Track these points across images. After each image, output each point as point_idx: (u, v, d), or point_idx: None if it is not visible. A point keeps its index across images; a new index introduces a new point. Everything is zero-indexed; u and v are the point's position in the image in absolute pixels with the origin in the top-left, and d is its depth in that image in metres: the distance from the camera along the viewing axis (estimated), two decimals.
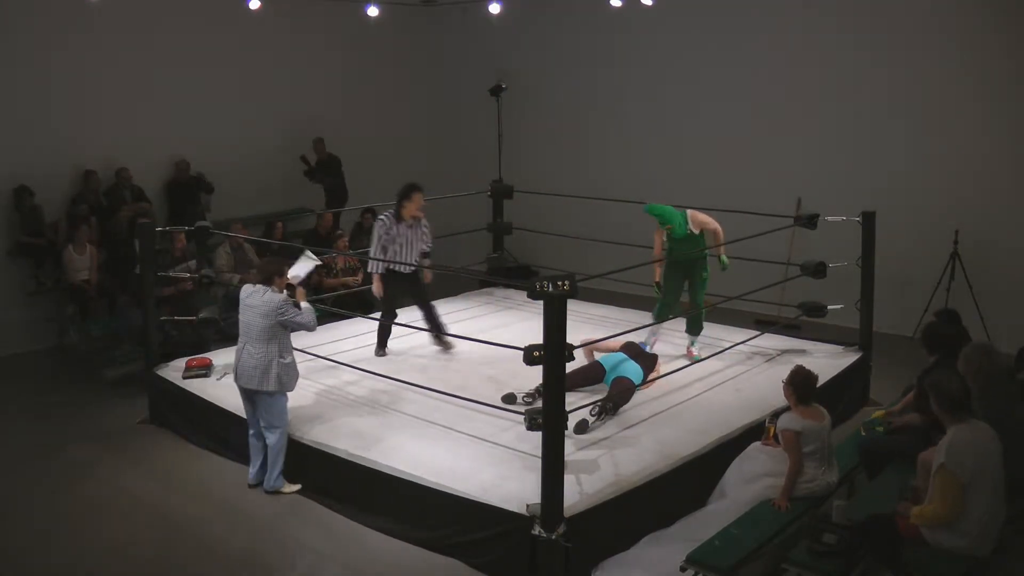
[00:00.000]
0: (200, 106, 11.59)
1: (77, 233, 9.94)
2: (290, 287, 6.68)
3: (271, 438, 6.54)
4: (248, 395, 6.57)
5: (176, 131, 11.40)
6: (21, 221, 10.20)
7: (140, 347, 8.76)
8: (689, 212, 7.99)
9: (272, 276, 6.50)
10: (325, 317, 9.21)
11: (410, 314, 9.63)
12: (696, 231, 7.97)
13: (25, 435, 7.89)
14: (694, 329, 8.31)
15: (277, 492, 6.59)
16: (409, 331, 8.44)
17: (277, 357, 6.44)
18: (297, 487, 6.61)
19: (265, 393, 6.45)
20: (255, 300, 6.45)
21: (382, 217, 8.22)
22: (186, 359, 8.10)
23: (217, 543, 6.03)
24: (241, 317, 6.58)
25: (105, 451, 7.53)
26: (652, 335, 8.21)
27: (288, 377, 6.53)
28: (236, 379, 6.60)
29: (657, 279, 8.20)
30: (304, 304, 6.62)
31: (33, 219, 10.22)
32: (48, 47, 10.31)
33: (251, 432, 6.70)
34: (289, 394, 7.40)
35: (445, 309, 10.06)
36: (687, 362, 7.98)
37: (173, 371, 8.01)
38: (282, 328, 6.46)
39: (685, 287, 8.22)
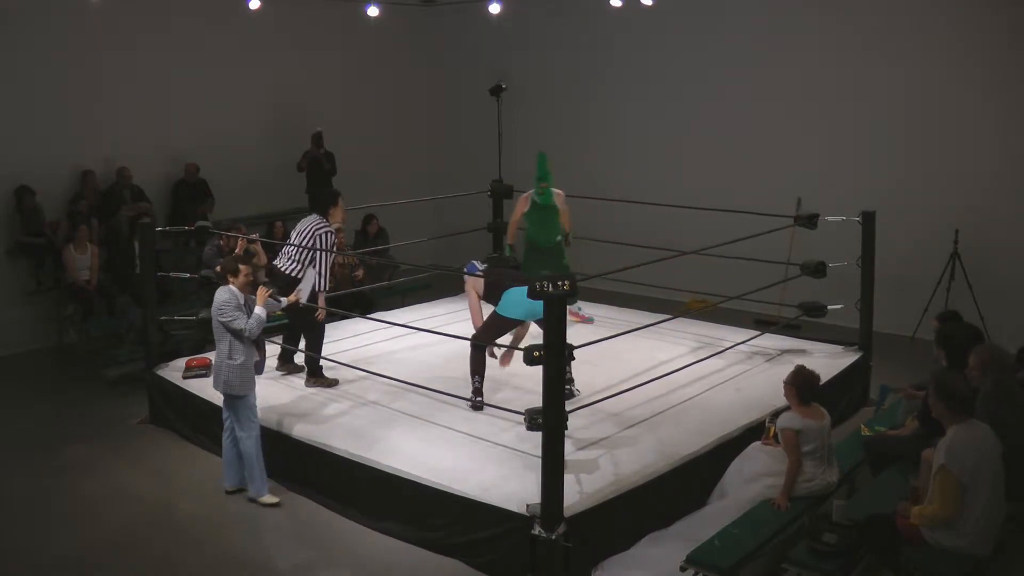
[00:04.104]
0: (200, 106, 11.59)
1: (78, 233, 9.95)
2: (253, 285, 6.55)
3: (240, 444, 6.44)
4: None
5: (176, 131, 11.41)
6: (22, 221, 10.20)
7: (140, 347, 8.76)
8: (553, 188, 8.63)
9: (225, 275, 6.44)
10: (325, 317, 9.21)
11: (410, 314, 9.65)
12: (556, 204, 8.64)
13: (25, 435, 7.89)
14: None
15: (255, 502, 6.47)
16: (408, 331, 8.42)
17: (226, 358, 6.34)
18: (276, 500, 6.44)
19: (223, 395, 6.42)
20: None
21: (329, 229, 7.53)
22: (186, 359, 8.10)
23: (216, 543, 6.03)
24: None
25: (105, 451, 7.53)
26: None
27: (236, 379, 6.35)
28: None
29: (510, 242, 9.18)
30: (257, 309, 6.43)
31: (33, 219, 10.23)
32: (48, 47, 10.31)
33: (224, 434, 6.60)
34: (289, 394, 7.43)
35: (445, 309, 10.08)
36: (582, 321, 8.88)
37: (173, 371, 8.01)
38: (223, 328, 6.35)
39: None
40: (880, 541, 5.01)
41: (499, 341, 7.02)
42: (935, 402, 4.98)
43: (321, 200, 7.77)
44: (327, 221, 7.54)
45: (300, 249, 7.43)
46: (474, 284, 7.09)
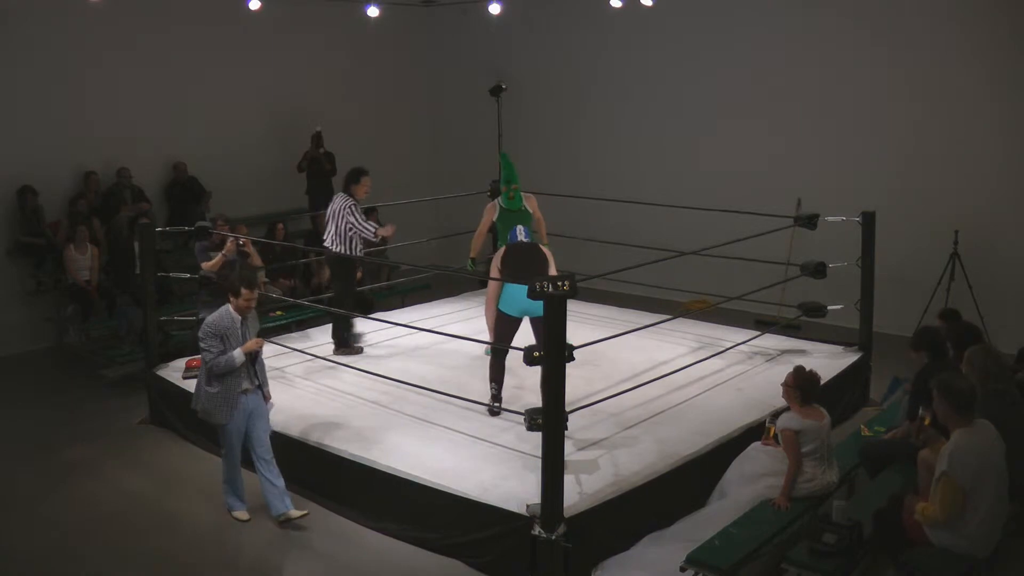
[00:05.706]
0: (200, 106, 11.61)
1: (78, 233, 9.95)
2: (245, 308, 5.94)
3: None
4: None
5: (176, 131, 11.41)
6: (23, 221, 10.20)
7: (140, 347, 8.76)
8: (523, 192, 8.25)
9: (226, 291, 6.00)
10: (325, 317, 9.23)
11: (410, 314, 9.65)
12: (529, 209, 8.17)
13: (25, 435, 7.89)
14: None
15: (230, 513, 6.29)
16: (409, 331, 8.43)
17: (204, 384, 5.94)
18: (247, 517, 6.22)
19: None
20: None
21: (353, 204, 8.37)
22: (186, 359, 8.10)
23: (217, 543, 6.04)
24: None
25: (105, 451, 7.53)
26: None
27: (212, 407, 5.92)
28: None
29: (474, 255, 8.63)
30: (237, 351, 5.83)
31: (34, 219, 10.23)
32: (49, 48, 10.32)
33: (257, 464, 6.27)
34: (289, 394, 7.43)
35: (446, 309, 10.08)
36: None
37: (173, 371, 8.01)
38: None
39: None
40: (885, 536, 5.01)
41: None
42: (939, 403, 4.95)
43: (346, 179, 8.60)
44: (352, 197, 8.41)
45: (336, 230, 8.36)
46: (496, 266, 7.07)
